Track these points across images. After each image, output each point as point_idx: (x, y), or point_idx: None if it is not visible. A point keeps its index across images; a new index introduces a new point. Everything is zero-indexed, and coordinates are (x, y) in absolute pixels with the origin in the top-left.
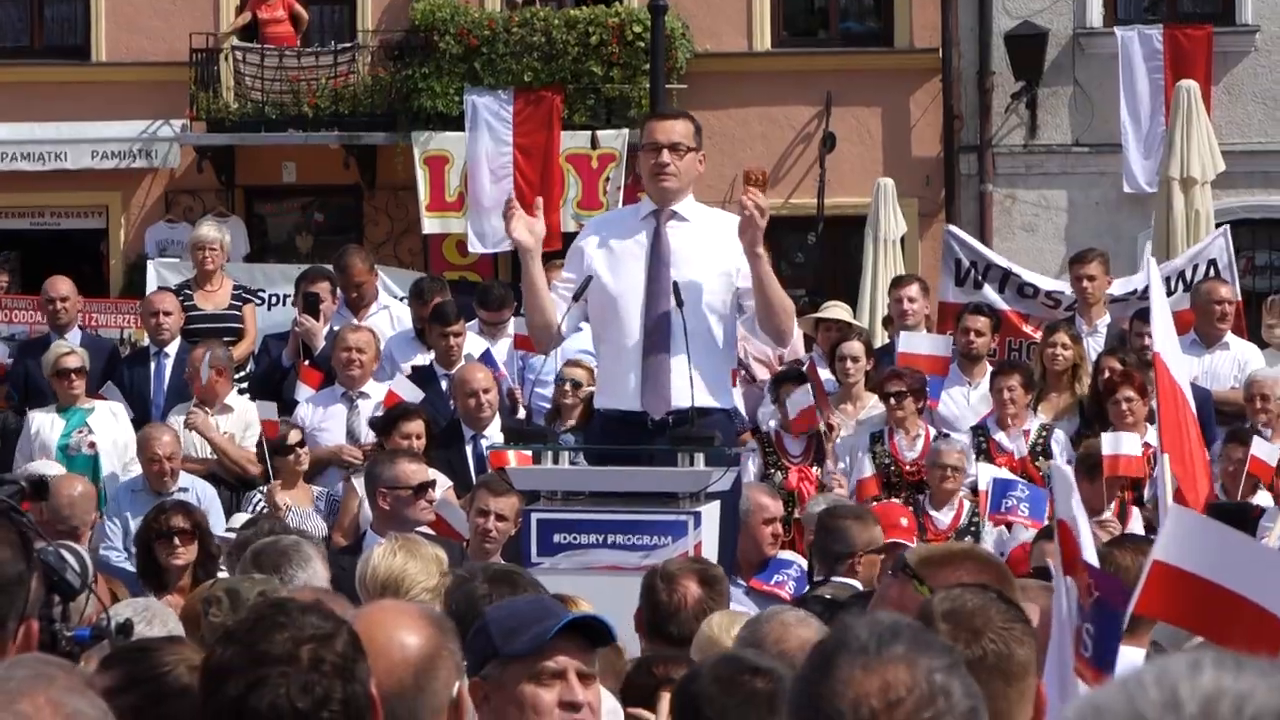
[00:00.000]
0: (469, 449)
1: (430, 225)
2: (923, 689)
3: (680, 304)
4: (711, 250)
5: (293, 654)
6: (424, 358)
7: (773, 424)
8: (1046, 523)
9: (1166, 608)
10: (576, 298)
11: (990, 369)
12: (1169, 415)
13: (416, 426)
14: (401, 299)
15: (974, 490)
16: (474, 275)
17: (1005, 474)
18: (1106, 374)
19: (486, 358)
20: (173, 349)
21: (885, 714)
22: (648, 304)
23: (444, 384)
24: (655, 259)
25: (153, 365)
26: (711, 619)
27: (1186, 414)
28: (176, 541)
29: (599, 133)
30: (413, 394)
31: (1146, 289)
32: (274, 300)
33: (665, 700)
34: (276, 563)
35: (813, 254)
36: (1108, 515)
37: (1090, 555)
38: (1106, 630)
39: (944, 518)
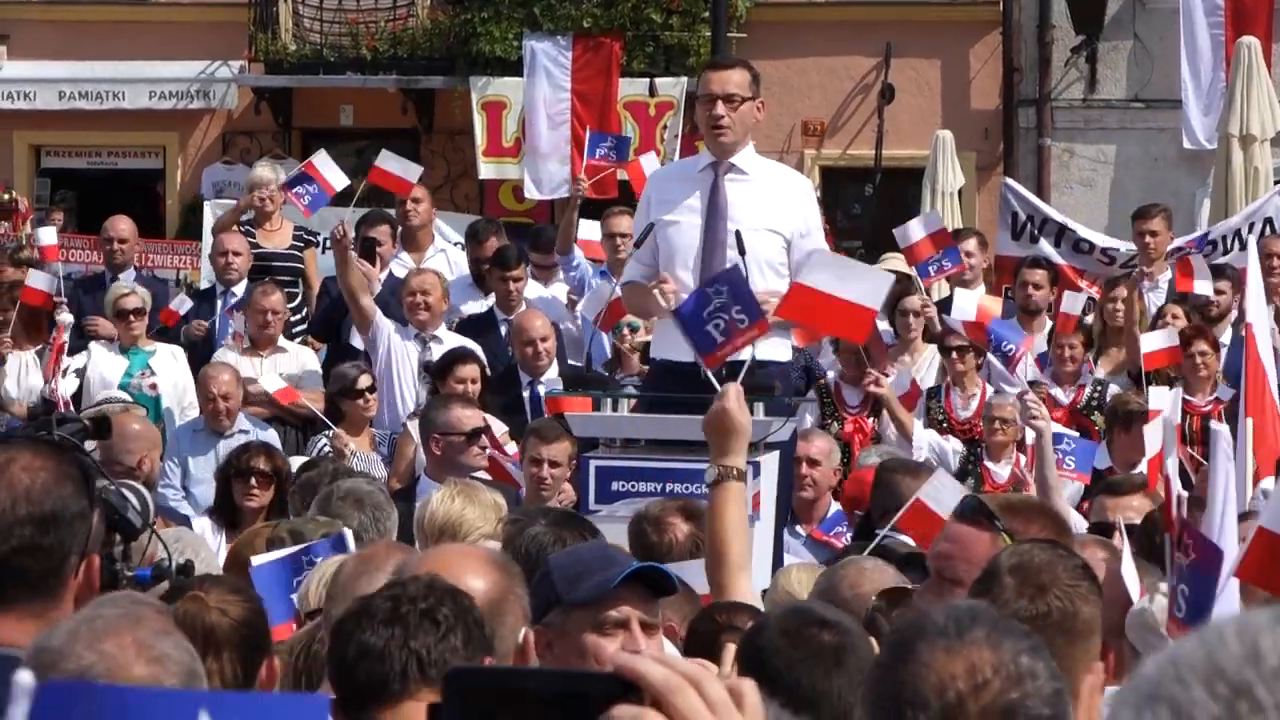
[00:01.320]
0: (525, 395)
1: (487, 170)
2: (1009, 669)
3: (743, 252)
4: (769, 206)
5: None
6: (480, 304)
7: (831, 374)
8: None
9: (1267, 577)
10: (639, 244)
11: (1049, 323)
12: (1255, 384)
13: (471, 371)
14: (458, 244)
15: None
16: (530, 221)
17: (1052, 425)
18: (1170, 320)
19: (549, 305)
20: (240, 289)
21: (972, 697)
22: (704, 256)
23: (503, 329)
24: (712, 212)
25: (219, 304)
26: (789, 571)
27: (1268, 385)
28: (254, 483)
29: (657, 80)
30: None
31: (1203, 240)
32: (330, 243)
33: (730, 651)
34: (360, 504)
35: (870, 206)
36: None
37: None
38: (1201, 592)
39: (1002, 471)
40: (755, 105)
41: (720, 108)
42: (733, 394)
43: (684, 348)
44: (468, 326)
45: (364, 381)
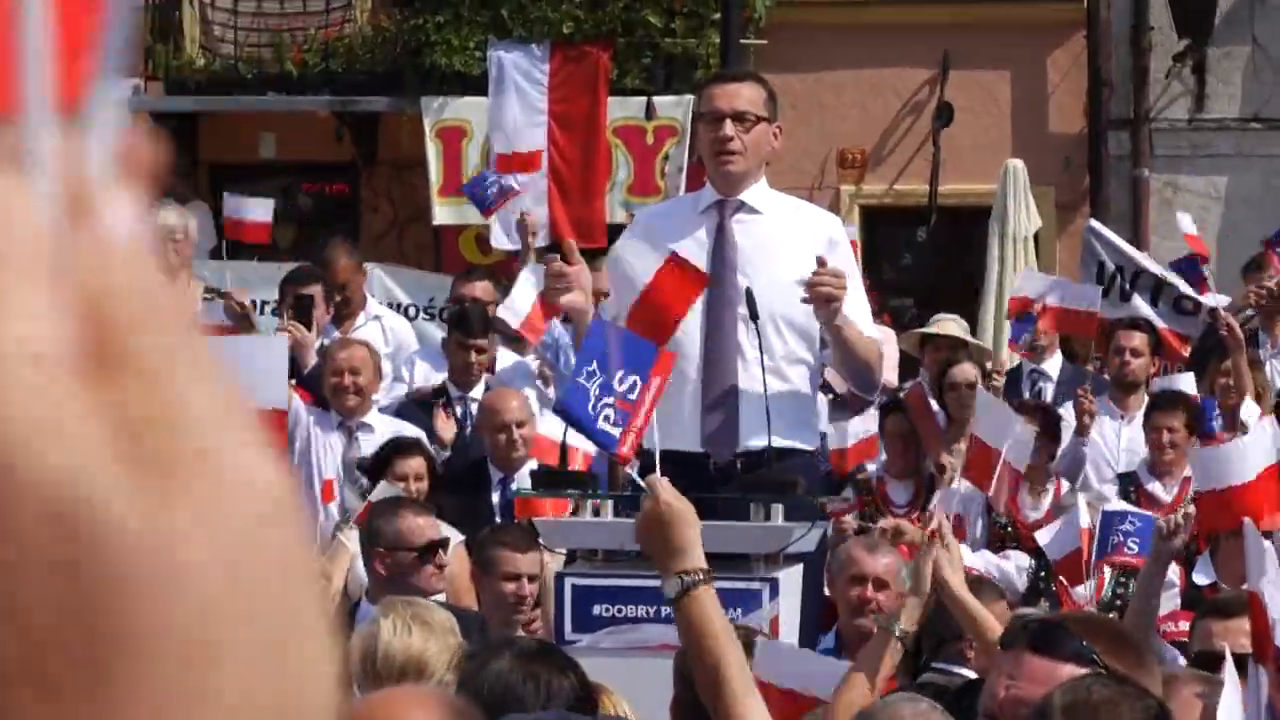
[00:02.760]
0: (496, 498)
1: (443, 214)
2: None
3: (755, 316)
4: (791, 252)
5: None
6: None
7: (871, 466)
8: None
9: None
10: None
11: (1147, 400)
12: None
13: (415, 465)
14: (407, 307)
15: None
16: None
17: (1114, 502)
18: None
19: (523, 375)
20: None
21: None
22: (709, 317)
23: (459, 409)
24: (718, 262)
25: None
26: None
27: None
28: None
29: (656, 99)
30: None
31: None
32: (257, 306)
33: None
34: None
35: (923, 254)
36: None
37: None
38: None
39: (1083, 590)
40: (772, 129)
41: (728, 128)
42: (659, 487)
43: (683, 433)
44: (412, 408)
45: None
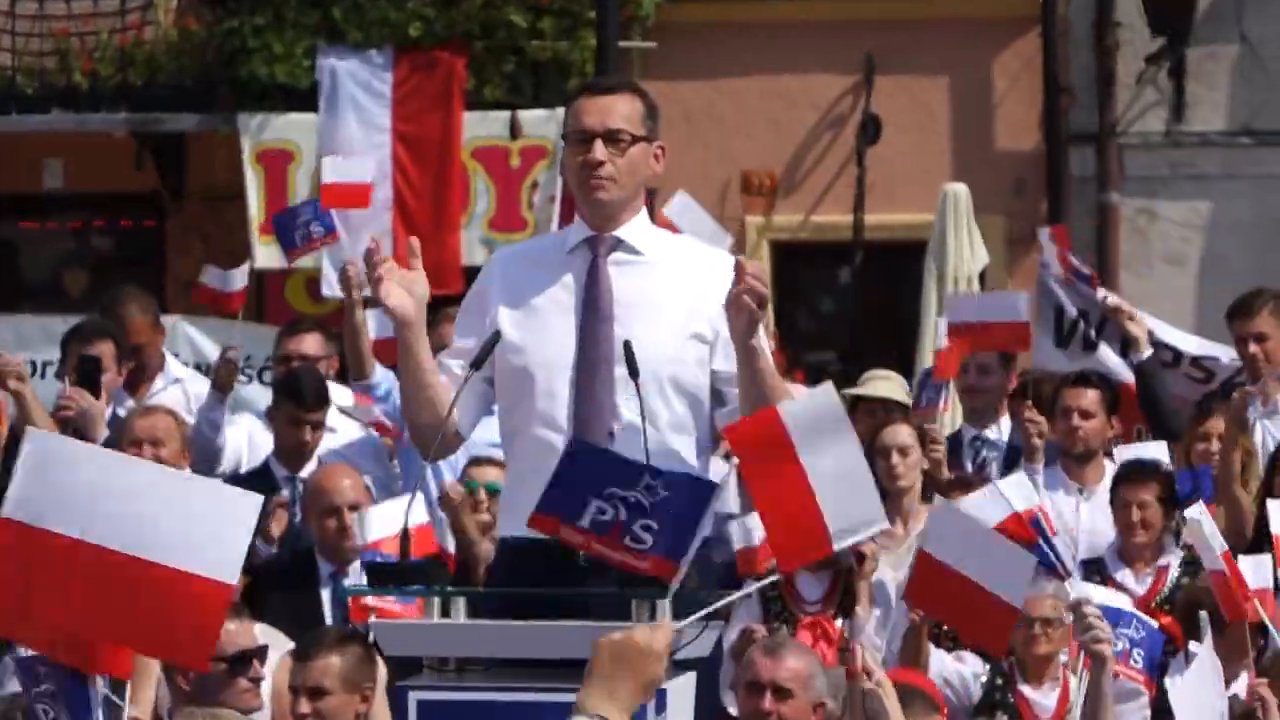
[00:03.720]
0: (326, 594)
1: (266, 255)
2: None
3: (635, 373)
4: (677, 301)
5: None
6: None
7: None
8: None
9: None
10: (478, 365)
11: (1111, 469)
12: None
13: None
14: (210, 368)
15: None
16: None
17: (1114, 599)
18: None
19: (361, 452)
20: None
21: None
22: (579, 377)
23: (287, 493)
24: (590, 312)
25: None
26: None
27: None
28: None
29: (521, 114)
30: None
31: None
32: (30, 369)
33: None
34: None
35: (847, 298)
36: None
37: None
38: None
39: (1045, 700)
40: (653, 149)
41: (599, 150)
42: (666, 632)
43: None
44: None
45: None
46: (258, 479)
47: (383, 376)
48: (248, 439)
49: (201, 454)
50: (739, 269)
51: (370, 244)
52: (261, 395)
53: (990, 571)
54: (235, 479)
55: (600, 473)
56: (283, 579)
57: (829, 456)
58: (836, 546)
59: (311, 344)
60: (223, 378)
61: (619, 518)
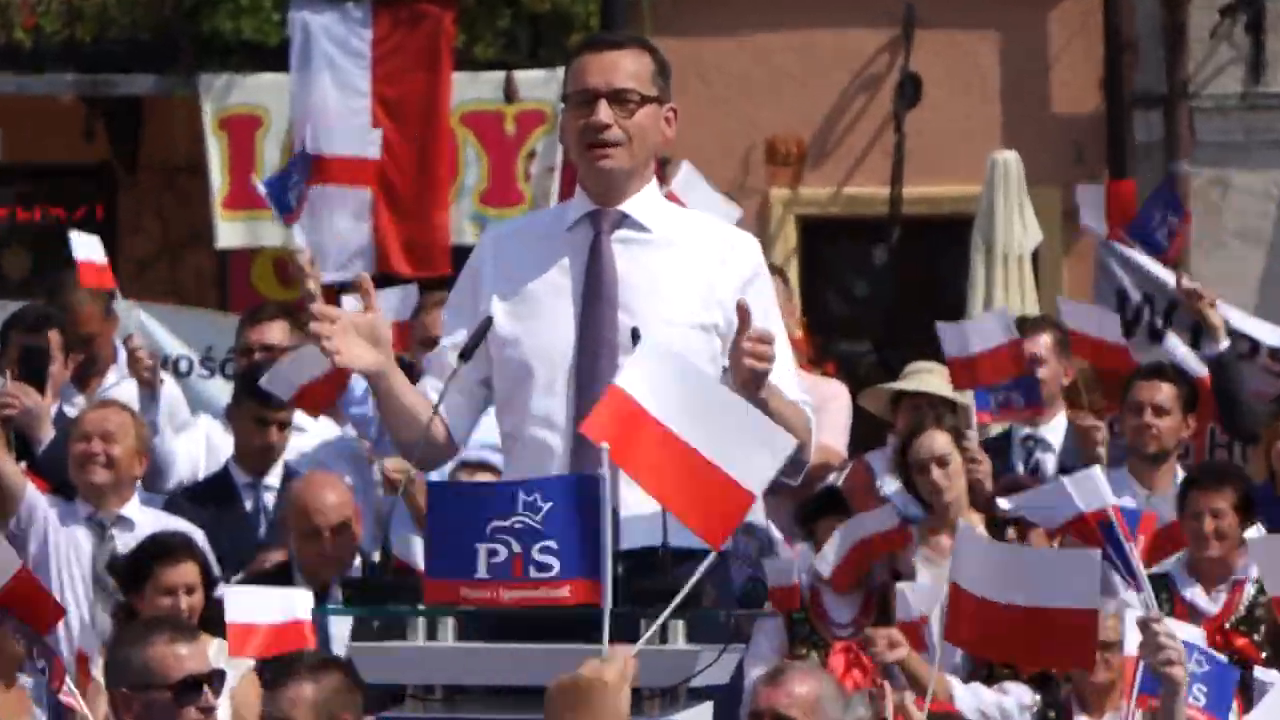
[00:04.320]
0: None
1: (230, 234)
2: None
3: None
4: (688, 284)
5: None
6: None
7: (804, 575)
8: None
9: None
10: (467, 355)
11: (1181, 475)
12: None
13: (184, 575)
14: (178, 359)
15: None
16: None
17: (1177, 629)
18: None
19: (341, 455)
20: None
21: None
22: (580, 372)
23: (249, 502)
24: (591, 296)
25: None
26: None
27: None
28: None
29: (518, 74)
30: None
31: None
32: None
33: None
34: None
35: (883, 280)
36: None
37: None
38: None
39: None
40: (664, 112)
41: (603, 112)
42: (618, 662)
43: None
44: (195, 497)
45: None
46: (214, 487)
47: (357, 379)
48: (205, 443)
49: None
50: (742, 316)
51: (315, 308)
52: (224, 391)
53: (1044, 587)
54: (187, 490)
55: (471, 512)
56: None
57: (694, 407)
58: (758, 491)
59: (277, 333)
60: (136, 372)
61: (514, 552)
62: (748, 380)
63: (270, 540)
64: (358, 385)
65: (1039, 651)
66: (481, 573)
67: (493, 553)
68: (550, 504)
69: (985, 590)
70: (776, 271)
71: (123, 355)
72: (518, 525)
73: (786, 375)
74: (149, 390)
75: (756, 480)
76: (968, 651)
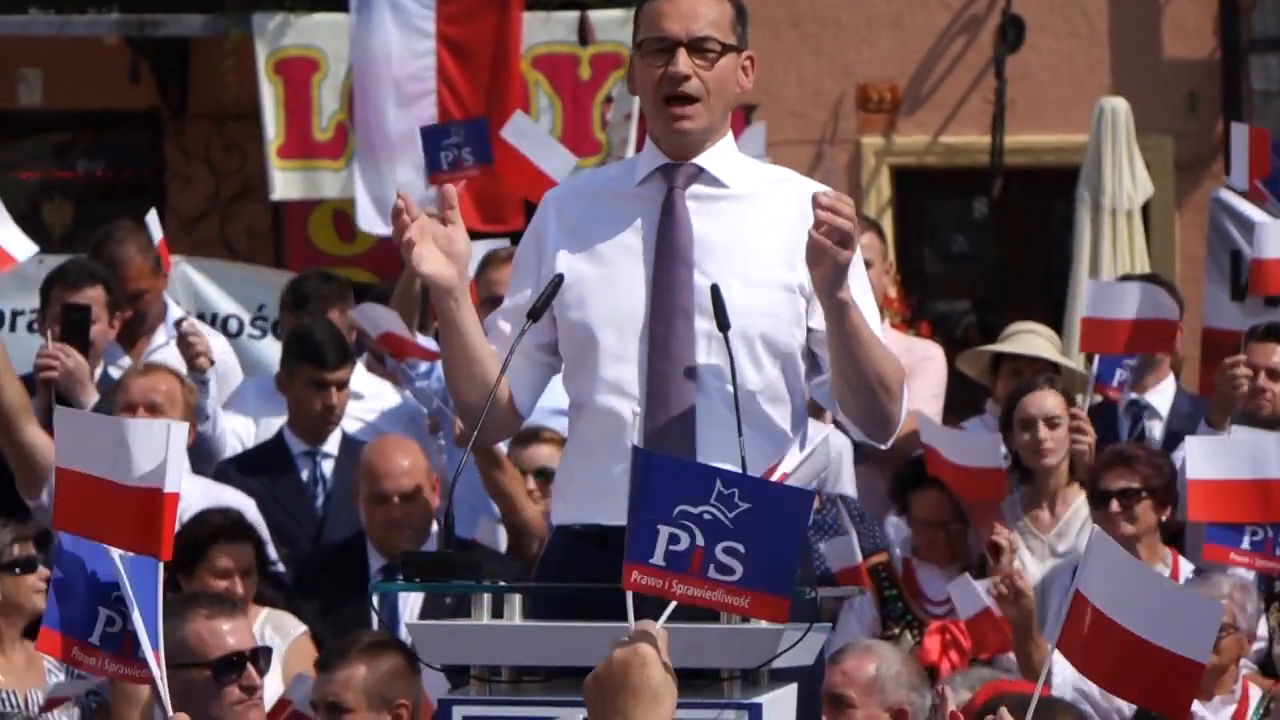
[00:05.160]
0: (375, 595)
1: (285, 183)
2: None
3: (725, 326)
4: (769, 242)
5: None
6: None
7: (898, 550)
8: None
9: None
10: (536, 315)
11: None
12: None
13: (235, 557)
14: (227, 318)
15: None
16: (364, 274)
17: None
18: None
19: (408, 422)
20: None
21: None
22: (653, 337)
23: (305, 472)
24: (664, 256)
25: None
26: None
27: None
28: None
29: (593, 14)
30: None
31: None
32: (2, 320)
33: None
34: None
35: (983, 236)
36: None
37: None
38: None
39: (1215, 717)
40: (741, 61)
41: (683, 62)
42: (647, 641)
43: (618, 498)
44: (245, 466)
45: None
46: (267, 455)
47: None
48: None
49: (194, 450)
50: (815, 201)
51: (398, 202)
52: (276, 352)
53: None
54: (239, 458)
55: (664, 487)
56: (325, 575)
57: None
58: (1206, 659)
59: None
60: (187, 356)
61: (695, 543)
62: (830, 272)
63: (327, 512)
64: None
65: (1142, 688)
66: (658, 559)
67: (674, 539)
68: (748, 505)
69: (1111, 608)
70: (872, 225)
71: (172, 311)
72: (706, 516)
73: (872, 313)
74: (199, 375)
75: (1200, 649)
76: (1077, 668)
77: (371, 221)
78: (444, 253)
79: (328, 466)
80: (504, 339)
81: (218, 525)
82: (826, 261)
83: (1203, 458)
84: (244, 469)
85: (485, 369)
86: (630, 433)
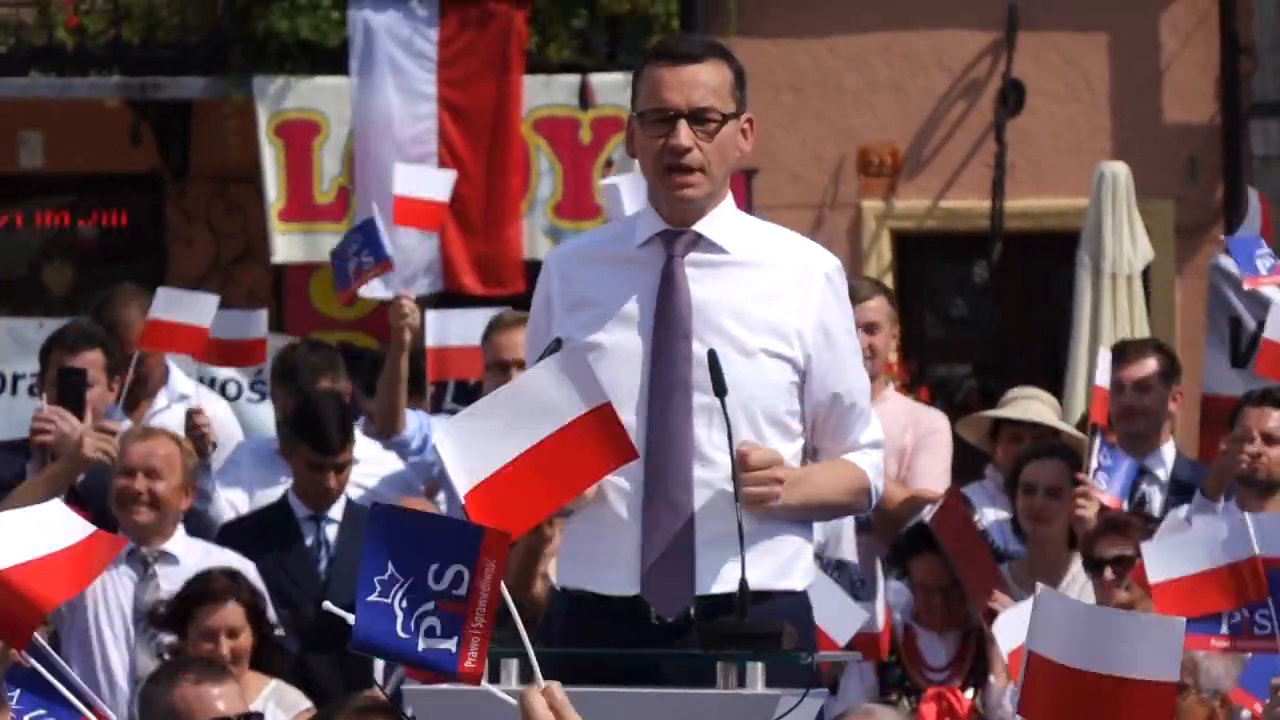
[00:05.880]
0: (380, 663)
1: (285, 246)
2: None
3: (722, 391)
4: (767, 310)
5: None
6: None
7: (897, 615)
8: None
9: None
10: None
11: None
12: None
13: (228, 617)
14: (226, 382)
15: None
16: (365, 338)
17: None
18: None
19: (406, 484)
20: None
21: None
22: (651, 404)
23: (310, 538)
24: (663, 325)
25: None
26: None
27: None
28: None
29: (594, 78)
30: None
31: None
32: (3, 383)
33: None
34: None
35: (985, 299)
36: None
37: None
38: None
39: None
40: (741, 125)
41: (684, 135)
42: (532, 703)
43: (614, 569)
44: (250, 530)
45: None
46: (272, 519)
47: (415, 429)
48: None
49: (193, 528)
50: (741, 463)
51: (403, 297)
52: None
53: (1125, 654)
54: (243, 520)
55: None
56: (331, 637)
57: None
58: (1175, 677)
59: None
60: (193, 439)
61: None
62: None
63: (331, 576)
64: (414, 436)
65: None
66: None
67: None
68: None
69: (1064, 655)
70: (881, 289)
71: (174, 375)
72: None
73: (859, 414)
74: (203, 460)
75: (1167, 669)
76: None
77: (374, 286)
78: None
79: (331, 531)
80: None
81: (201, 587)
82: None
83: (1160, 560)
84: (248, 532)
85: None
86: (628, 504)
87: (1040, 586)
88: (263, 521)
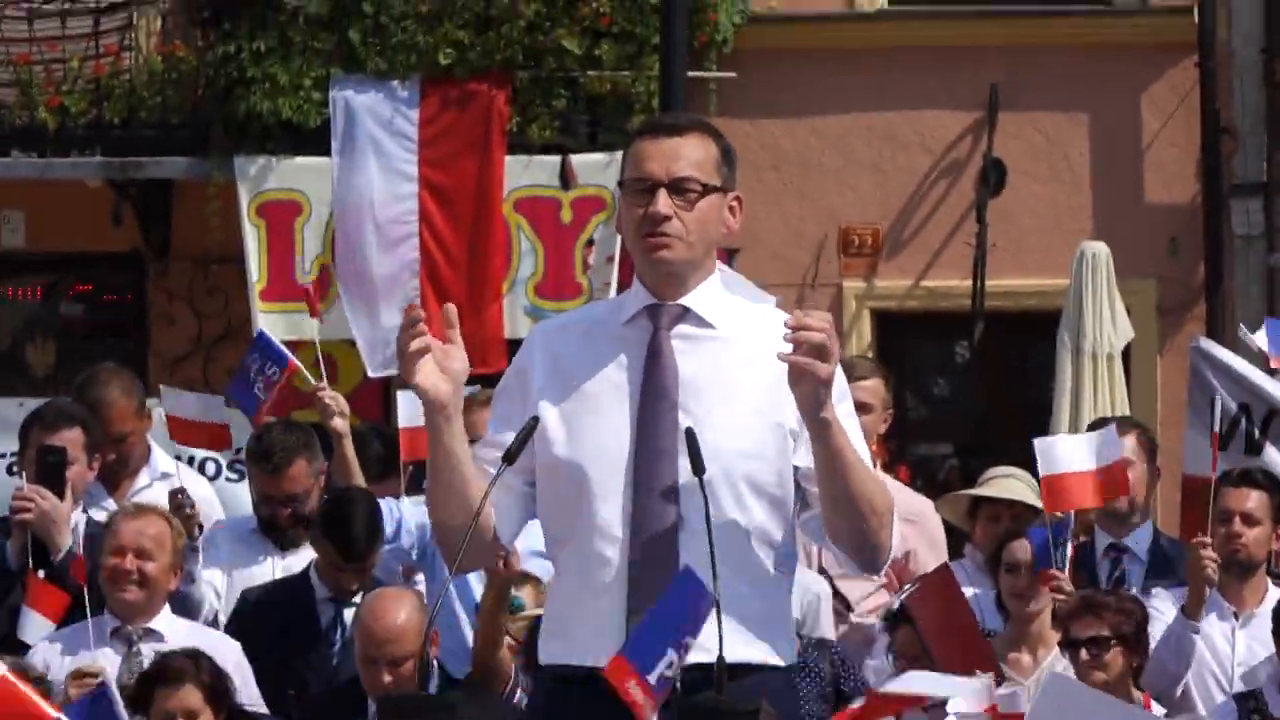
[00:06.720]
0: None
1: (270, 327)
2: None
3: (700, 470)
4: (753, 381)
5: None
6: (271, 563)
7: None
8: None
9: None
10: (511, 459)
11: (1272, 591)
12: None
13: (184, 699)
14: (205, 460)
15: None
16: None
17: None
18: None
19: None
20: None
21: None
22: (637, 479)
23: (326, 619)
24: (649, 397)
25: None
26: None
27: None
28: None
29: (575, 159)
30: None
31: None
32: None
33: None
34: None
35: (966, 379)
36: None
37: None
38: None
39: None
40: (728, 201)
41: (663, 203)
42: None
43: (601, 641)
44: (265, 603)
45: None
46: (293, 594)
47: (384, 517)
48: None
49: (177, 609)
50: (786, 324)
51: (415, 312)
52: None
53: None
54: (261, 591)
55: (681, 613)
56: (325, 714)
57: None
58: None
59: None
60: (184, 524)
61: (674, 675)
62: (811, 390)
63: (342, 659)
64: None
65: None
66: (653, 679)
67: (668, 664)
68: None
69: None
70: (880, 373)
71: (155, 455)
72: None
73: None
74: (190, 543)
75: None
76: None
77: (378, 366)
78: (440, 368)
79: (349, 615)
80: (487, 474)
81: (158, 669)
82: (808, 379)
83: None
84: (262, 606)
85: (470, 491)
86: (614, 575)
87: (1049, 673)
88: (282, 594)
